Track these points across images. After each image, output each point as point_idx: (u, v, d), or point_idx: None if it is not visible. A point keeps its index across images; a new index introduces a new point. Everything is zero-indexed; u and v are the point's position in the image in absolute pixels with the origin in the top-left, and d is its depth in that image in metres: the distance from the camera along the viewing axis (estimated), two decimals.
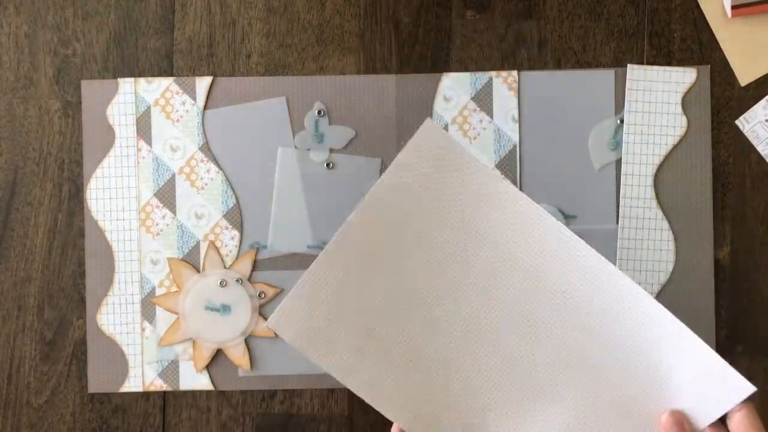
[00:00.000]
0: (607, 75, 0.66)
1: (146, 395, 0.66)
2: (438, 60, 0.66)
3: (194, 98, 0.66)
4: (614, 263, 0.65)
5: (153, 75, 0.66)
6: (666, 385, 0.50)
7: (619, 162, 0.65)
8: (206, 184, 0.66)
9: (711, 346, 0.65)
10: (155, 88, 0.66)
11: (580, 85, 0.65)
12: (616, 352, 0.51)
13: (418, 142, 0.52)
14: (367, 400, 0.52)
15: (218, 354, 0.65)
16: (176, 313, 0.65)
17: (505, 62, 0.66)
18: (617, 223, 0.65)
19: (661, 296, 0.65)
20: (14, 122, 0.66)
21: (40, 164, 0.66)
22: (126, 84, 0.66)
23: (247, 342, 0.65)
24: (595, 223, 0.65)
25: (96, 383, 0.65)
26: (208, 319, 0.65)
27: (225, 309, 0.65)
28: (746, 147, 0.65)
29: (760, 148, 0.65)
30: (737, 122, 0.65)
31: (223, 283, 0.65)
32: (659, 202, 0.65)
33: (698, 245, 0.65)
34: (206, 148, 0.66)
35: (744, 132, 0.65)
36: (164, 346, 0.65)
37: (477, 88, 0.65)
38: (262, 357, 0.65)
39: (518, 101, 0.65)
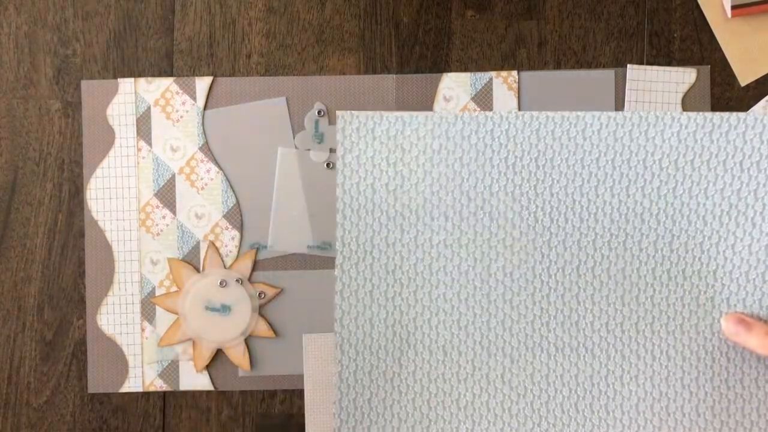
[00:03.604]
0: (607, 75, 0.66)
1: (146, 395, 0.66)
2: (438, 60, 0.66)
3: (194, 98, 0.66)
4: None
5: (153, 75, 0.66)
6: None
7: None
8: (206, 184, 0.66)
9: None
10: (155, 88, 0.66)
11: (580, 85, 0.66)
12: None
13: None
14: None
15: (218, 354, 0.65)
16: (176, 313, 0.65)
17: (505, 62, 0.66)
18: None
19: None
20: (14, 122, 0.66)
21: (40, 164, 0.66)
22: (126, 84, 0.66)
23: (247, 342, 0.65)
24: None
25: (96, 383, 0.65)
26: (208, 319, 0.65)
27: (225, 309, 0.65)
28: None
29: None
30: None
31: (223, 283, 0.65)
32: None
33: None
34: (206, 148, 0.66)
35: None
36: (164, 347, 0.65)
37: (477, 88, 0.65)
38: (262, 357, 0.65)
39: (518, 101, 0.65)
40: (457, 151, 0.50)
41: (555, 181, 0.50)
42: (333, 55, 0.66)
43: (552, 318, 0.50)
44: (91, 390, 0.65)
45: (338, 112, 0.50)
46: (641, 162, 0.49)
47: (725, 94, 0.65)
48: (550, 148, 0.49)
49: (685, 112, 0.49)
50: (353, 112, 0.50)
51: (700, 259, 0.49)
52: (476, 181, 0.50)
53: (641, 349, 0.50)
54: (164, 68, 0.66)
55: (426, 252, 0.50)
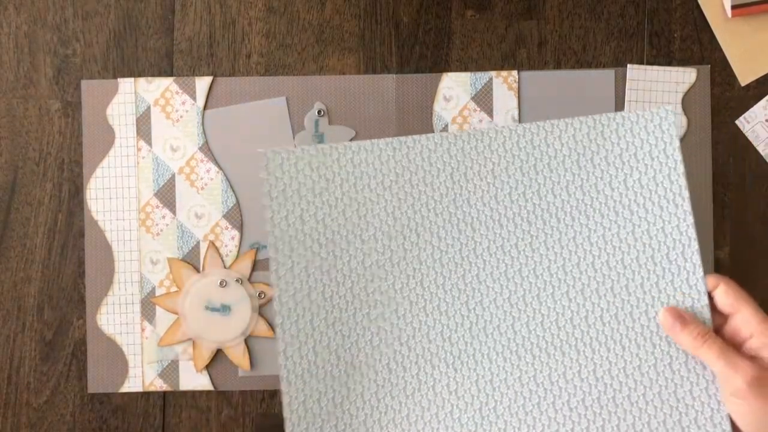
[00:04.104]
0: (607, 75, 0.66)
1: (146, 395, 0.66)
2: (438, 60, 0.66)
3: (194, 98, 0.66)
4: None
5: (153, 75, 0.66)
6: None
7: None
8: (206, 184, 0.66)
9: None
10: (155, 88, 0.66)
11: (580, 85, 0.65)
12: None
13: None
14: None
15: (218, 354, 0.65)
16: (176, 313, 0.65)
17: (505, 62, 0.66)
18: None
19: None
20: (14, 122, 0.66)
21: (40, 164, 0.66)
22: (126, 84, 0.66)
23: (247, 342, 0.65)
24: None
25: (96, 383, 0.65)
26: (208, 319, 0.65)
27: (225, 309, 0.65)
28: (746, 147, 0.65)
29: (760, 148, 0.65)
30: (737, 122, 0.65)
31: (223, 283, 0.65)
32: None
33: (698, 245, 0.65)
34: (206, 148, 0.66)
35: (744, 132, 0.65)
36: (164, 346, 0.65)
37: (477, 88, 0.65)
38: (262, 357, 0.65)
39: (518, 101, 0.65)
40: (378, 176, 0.52)
41: (471, 193, 0.52)
42: (333, 54, 0.66)
43: (488, 323, 0.51)
44: (91, 390, 0.65)
45: (259, 150, 0.51)
46: (547, 166, 0.52)
47: (725, 93, 0.65)
48: (462, 164, 0.52)
49: (577, 117, 0.52)
50: (274, 149, 0.52)
51: (620, 248, 0.51)
52: (399, 202, 0.52)
53: (580, 344, 0.51)
54: (164, 68, 0.66)
55: (360, 275, 0.51)
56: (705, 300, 0.50)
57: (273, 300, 0.51)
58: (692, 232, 0.51)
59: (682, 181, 0.51)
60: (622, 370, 0.50)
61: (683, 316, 0.49)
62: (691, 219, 0.51)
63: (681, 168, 0.51)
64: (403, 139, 0.52)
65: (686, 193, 0.51)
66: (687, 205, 0.51)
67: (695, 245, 0.51)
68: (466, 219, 0.52)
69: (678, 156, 0.51)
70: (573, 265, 0.51)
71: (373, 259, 0.52)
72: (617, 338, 0.50)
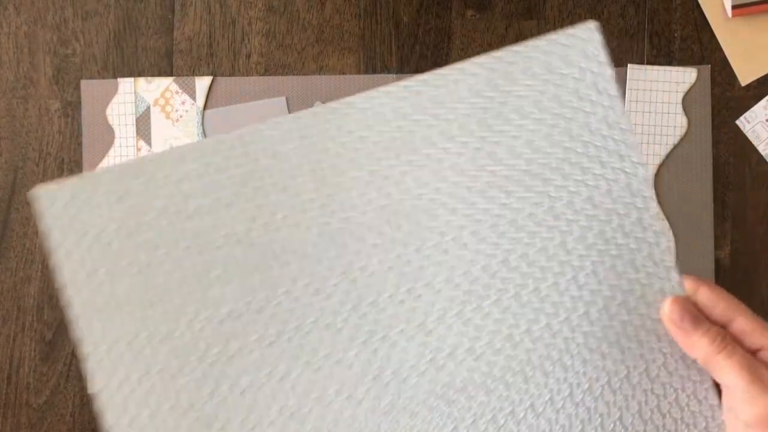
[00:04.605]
0: None
1: None
2: (438, 60, 0.66)
3: (194, 98, 0.66)
4: None
5: (153, 75, 0.66)
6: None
7: None
8: None
9: None
10: (155, 88, 0.66)
11: None
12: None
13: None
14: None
15: None
16: None
17: None
18: None
19: None
20: (14, 122, 0.66)
21: (39, 164, 0.66)
22: (126, 84, 0.66)
23: None
24: None
25: None
26: None
27: None
28: (746, 147, 0.65)
29: (760, 148, 0.65)
30: (737, 122, 0.65)
31: None
32: (659, 202, 0.65)
33: (698, 245, 0.65)
34: None
35: (744, 132, 0.65)
36: None
37: None
38: None
39: None
40: (211, 192, 0.36)
41: (347, 192, 0.37)
42: (333, 54, 0.66)
43: (403, 363, 0.36)
44: (91, 390, 0.65)
45: (36, 191, 0.35)
46: (440, 135, 0.38)
47: (725, 93, 0.65)
48: (325, 153, 0.37)
49: (472, 59, 0.38)
50: (54, 186, 0.35)
51: (557, 228, 0.37)
52: (249, 222, 0.36)
53: (517, 379, 0.37)
54: (164, 68, 0.66)
55: (213, 335, 0.36)
56: (676, 278, 0.37)
57: (93, 394, 0.36)
58: (648, 192, 0.37)
59: (625, 123, 0.37)
60: (587, 392, 0.37)
61: (695, 315, 0.36)
62: (643, 173, 0.37)
63: (619, 106, 0.37)
64: (237, 133, 0.36)
65: (632, 139, 0.37)
66: (636, 155, 0.37)
67: (654, 207, 0.37)
68: (349, 228, 0.36)
69: (613, 89, 0.37)
70: (499, 263, 0.37)
71: (228, 309, 0.36)
72: (592, 345, 0.37)
